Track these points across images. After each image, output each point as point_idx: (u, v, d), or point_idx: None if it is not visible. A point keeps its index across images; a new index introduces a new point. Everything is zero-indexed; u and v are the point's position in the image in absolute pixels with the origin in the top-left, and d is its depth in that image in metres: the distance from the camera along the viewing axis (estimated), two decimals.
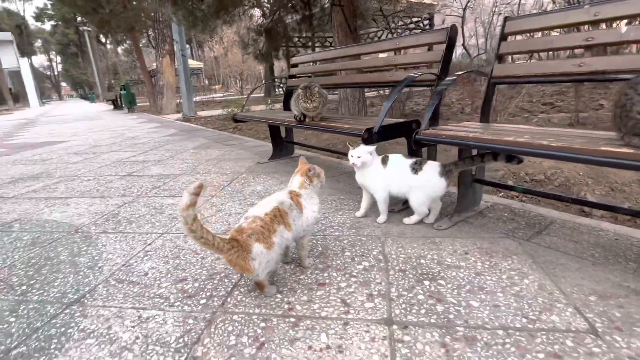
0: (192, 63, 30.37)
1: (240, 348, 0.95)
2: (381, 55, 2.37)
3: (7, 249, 1.70)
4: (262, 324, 1.04)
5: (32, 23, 49.30)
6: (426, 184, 1.59)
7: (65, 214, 2.16)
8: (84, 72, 45.82)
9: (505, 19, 1.59)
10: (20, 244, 1.75)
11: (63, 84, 72.97)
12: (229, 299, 1.17)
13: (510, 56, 1.76)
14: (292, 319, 1.05)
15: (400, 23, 11.73)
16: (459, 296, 1.12)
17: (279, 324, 1.04)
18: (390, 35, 8.95)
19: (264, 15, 6.12)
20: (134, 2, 11.33)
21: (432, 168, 1.60)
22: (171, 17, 5.84)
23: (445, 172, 1.59)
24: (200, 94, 22.94)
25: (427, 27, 12.50)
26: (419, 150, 1.74)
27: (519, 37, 1.62)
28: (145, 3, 5.19)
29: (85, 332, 1.05)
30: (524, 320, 0.99)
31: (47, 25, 49.85)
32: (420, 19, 12.18)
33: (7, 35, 29.70)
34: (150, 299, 1.20)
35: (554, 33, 1.71)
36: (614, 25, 1.44)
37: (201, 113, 9.81)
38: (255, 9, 5.95)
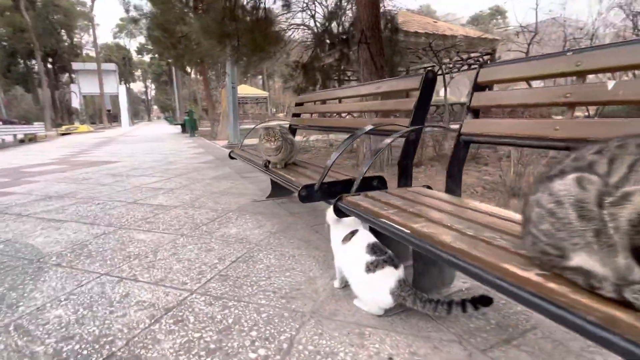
0: (258, 92, 32.68)
1: None
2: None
3: None
4: None
5: (135, 55, 58.36)
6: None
7: (47, 239, 2.25)
8: (169, 97, 52.01)
9: (480, 66, 1.32)
10: None
11: (154, 107, 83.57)
12: None
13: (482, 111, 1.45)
14: None
15: (456, 59, 11.30)
16: None
17: None
18: (440, 72, 8.61)
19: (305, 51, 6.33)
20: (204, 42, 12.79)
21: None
22: (218, 53, 6.31)
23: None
24: (265, 121, 24.40)
25: (487, 62, 11.85)
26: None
27: (495, 88, 1.33)
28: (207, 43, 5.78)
29: None
30: None
31: (147, 57, 58.32)
32: (480, 53, 11.61)
33: (112, 66, 36.50)
34: None
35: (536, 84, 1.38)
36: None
37: (248, 141, 10.27)
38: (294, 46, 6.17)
